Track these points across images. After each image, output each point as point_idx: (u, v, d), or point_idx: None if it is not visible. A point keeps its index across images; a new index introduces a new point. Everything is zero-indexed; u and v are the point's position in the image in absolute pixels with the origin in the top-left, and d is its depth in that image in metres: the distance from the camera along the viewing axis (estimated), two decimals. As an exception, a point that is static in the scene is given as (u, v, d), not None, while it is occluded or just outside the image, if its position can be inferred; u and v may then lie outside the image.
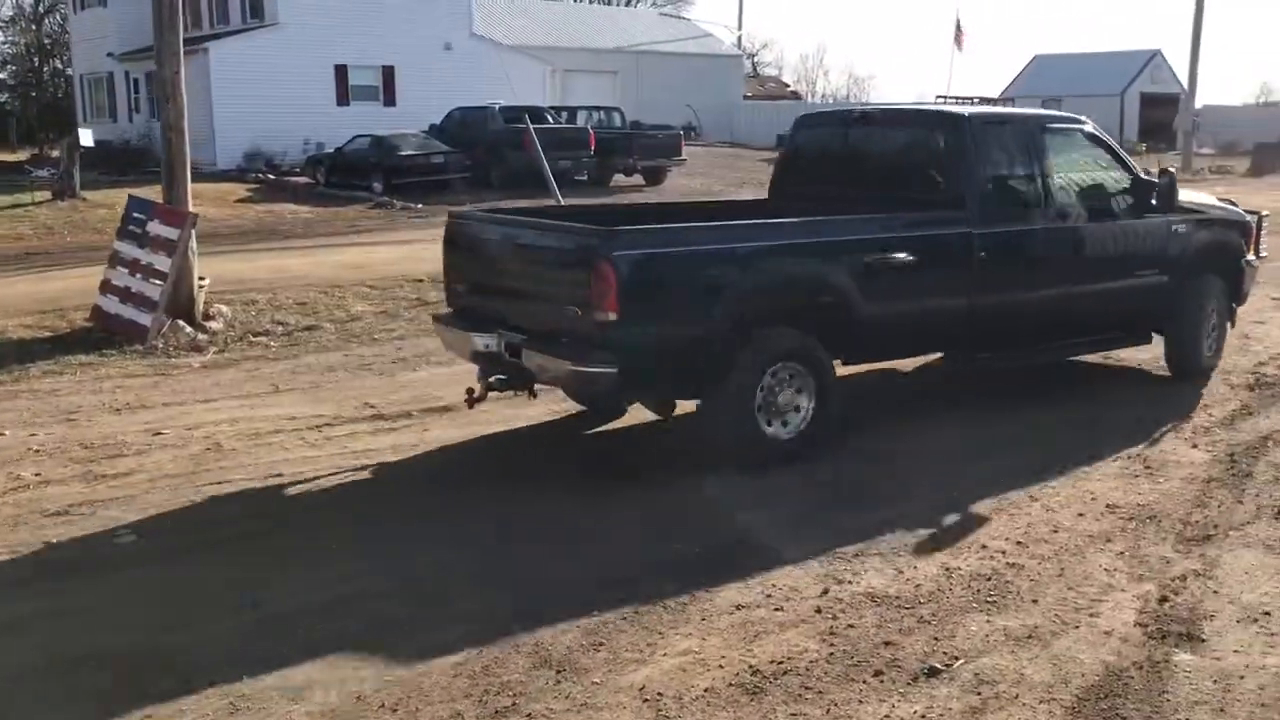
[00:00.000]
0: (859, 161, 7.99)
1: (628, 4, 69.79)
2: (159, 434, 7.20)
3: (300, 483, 6.22)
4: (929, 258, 6.85)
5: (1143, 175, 8.04)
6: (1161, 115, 48.80)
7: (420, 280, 13.31)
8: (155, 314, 9.93)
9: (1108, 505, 5.75)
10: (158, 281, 10.02)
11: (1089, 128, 8.05)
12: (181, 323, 10.17)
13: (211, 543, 5.33)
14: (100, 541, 5.37)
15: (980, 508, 5.72)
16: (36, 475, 6.41)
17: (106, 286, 10.41)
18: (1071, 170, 7.80)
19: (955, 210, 7.04)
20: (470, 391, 6.61)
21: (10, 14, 63.18)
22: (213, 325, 10.50)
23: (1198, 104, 41.50)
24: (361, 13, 31.08)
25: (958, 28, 43.66)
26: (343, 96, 31.33)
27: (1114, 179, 7.94)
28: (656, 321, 5.96)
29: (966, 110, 7.75)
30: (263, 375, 8.88)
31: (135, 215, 10.46)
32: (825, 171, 8.12)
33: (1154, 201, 7.84)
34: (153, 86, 9.93)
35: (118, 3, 32.51)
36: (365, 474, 6.39)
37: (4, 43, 64.19)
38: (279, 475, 6.38)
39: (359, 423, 7.52)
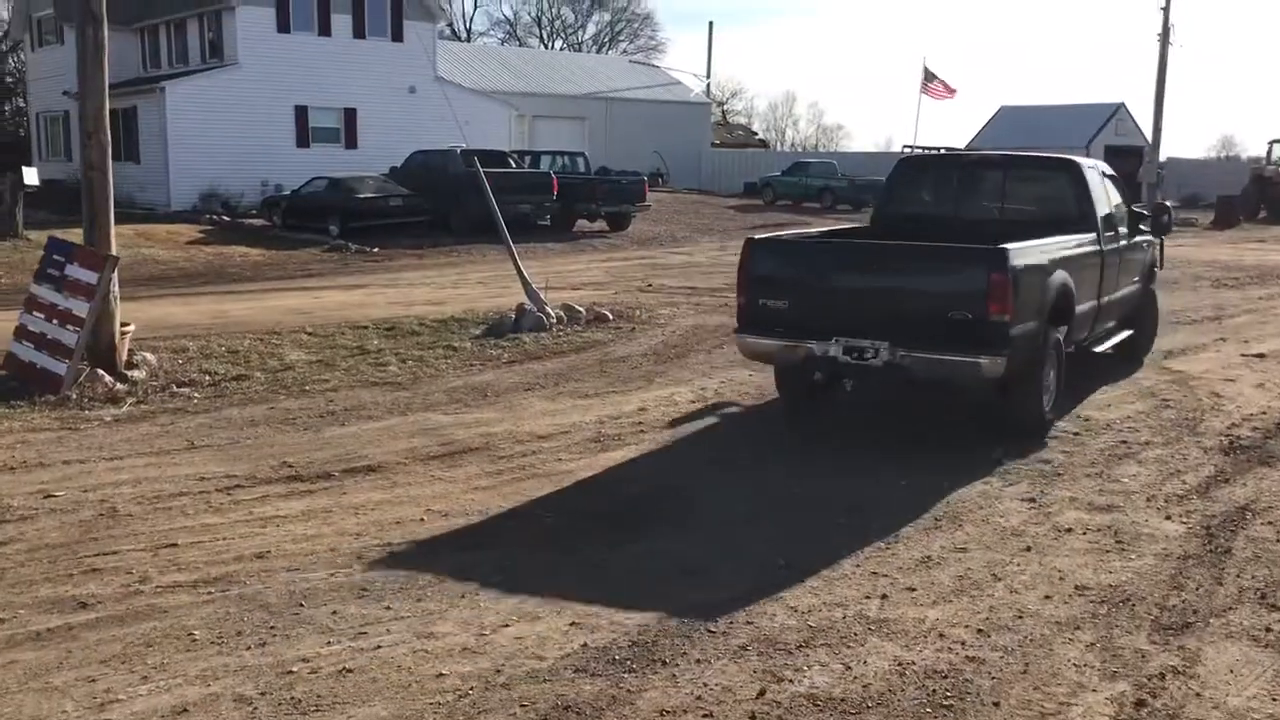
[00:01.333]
0: (973, 196, 9.84)
1: (598, 51, 70.01)
2: (50, 496, 6.59)
3: (188, 555, 5.63)
4: (1093, 268, 8.92)
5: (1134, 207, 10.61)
6: (1125, 167, 48.95)
7: (364, 327, 12.78)
8: (71, 362, 9.32)
9: (1076, 586, 5.26)
10: (74, 328, 9.42)
11: (1110, 170, 10.30)
12: (101, 372, 9.56)
13: (72, 628, 4.72)
14: (-48, 626, 4.76)
15: (940, 587, 5.22)
16: (-98, 544, 5.80)
17: (21, 332, 9.79)
18: (1116, 203, 9.94)
19: (1087, 233, 8.95)
20: (839, 381, 8.01)
21: (-28, 52, 62.56)
22: (135, 374, 9.89)
23: (1161, 156, 41.73)
24: (323, 54, 30.73)
25: (927, 76, 43.62)
26: (303, 138, 30.86)
27: (1128, 209, 10.26)
28: (1025, 320, 7.45)
29: (1078, 158, 9.75)
30: (178, 430, 8.28)
31: (55, 257, 9.86)
32: (935, 204, 9.90)
33: (1144, 226, 10.42)
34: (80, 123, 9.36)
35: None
36: (259, 544, 5.81)
37: (-35, 80, 63.49)
38: (172, 545, 5.79)
39: (273, 484, 6.95)
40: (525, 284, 13.26)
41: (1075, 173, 9.29)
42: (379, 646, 4.55)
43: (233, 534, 6.00)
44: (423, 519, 6.30)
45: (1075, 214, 9.08)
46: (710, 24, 66.93)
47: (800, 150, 69.10)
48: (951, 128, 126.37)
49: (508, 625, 4.78)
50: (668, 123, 47.14)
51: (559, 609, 4.96)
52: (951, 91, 43.83)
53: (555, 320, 12.67)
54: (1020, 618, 4.89)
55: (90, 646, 4.56)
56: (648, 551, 5.76)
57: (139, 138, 30.06)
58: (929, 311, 7.40)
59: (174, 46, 32.19)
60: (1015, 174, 9.90)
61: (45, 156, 34.46)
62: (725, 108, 75.05)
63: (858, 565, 5.54)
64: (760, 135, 71.00)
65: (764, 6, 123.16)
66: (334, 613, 4.90)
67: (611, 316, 13.31)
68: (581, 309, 13.32)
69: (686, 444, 8.05)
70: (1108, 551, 5.75)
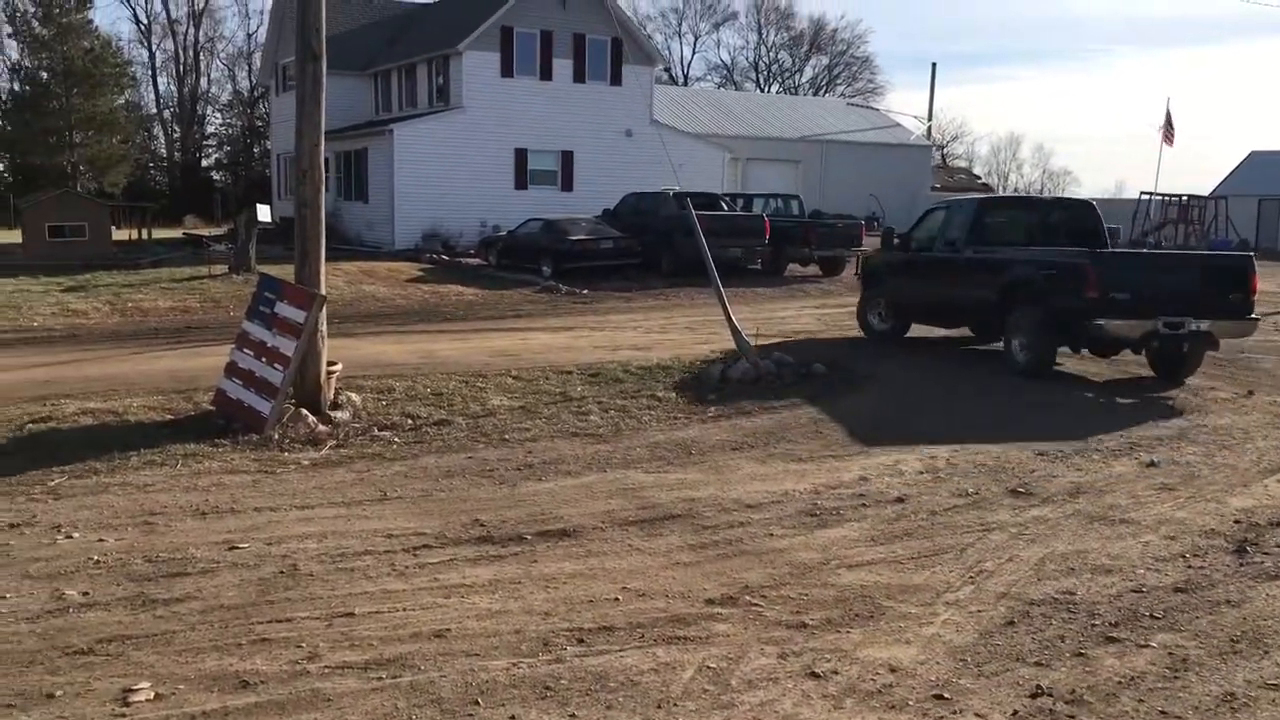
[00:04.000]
0: (1033, 225, 14.11)
1: (815, 95, 69.25)
2: (234, 549, 6.28)
3: (363, 628, 5.13)
4: None
5: None
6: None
7: (568, 372, 12.35)
8: (275, 402, 9.20)
9: None
10: (281, 366, 9.32)
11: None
12: (304, 412, 9.41)
13: (228, 713, 4.25)
14: (106, 701, 4.38)
15: (1251, 741, 4.14)
16: (84, 594, 5.56)
17: (232, 369, 9.78)
18: None
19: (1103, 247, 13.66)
20: (1172, 344, 11.89)
21: (228, 98, 67.64)
22: (339, 415, 9.71)
23: None
24: (544, 99, 31.15)
25: (1168, 120, 40.77)
26: (521, 180, 31.29)
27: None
28: None
29: (1092, 199, 14.78)
30: (373, 479, 7.94)
31: (265, 294, 9.83)
32: (1013, 230, 13.96)
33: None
34: (297, 161, 9.23)
35: (315, 86, 33.51)
36: (440, 619, 5.25)
37: (222, 124, 68.72)
38: (349, 614, 5.32)
39: (462, 545, 6.44)
40: (734, 331, 12.55)
41: (1090, 210, 14.12)
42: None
43: (414, 604, 5.49)
44: (618, 598, 5.62)
45: (1093, 233, 13.65)
46: (933, 65, 64.73)
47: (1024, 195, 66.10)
48: (1195, 172, 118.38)
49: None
50: (885, 166, 45.80)
51: None
52: (1170, 138, 41.09)
53: (765, 370, 11.89)
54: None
55: (243, 739, 4.07)
56: (880, 661, 4.88)
57: (368, 178, 31.21)
58: (1216, 295, 11.72)
59: (404, 91, 33.37)
60: (1060, 208, 14.84)
61: (283, 195, 36.30)
62: (946, 151, 72.84)
63: (1140, 700, 4.50)
64: (982, 179, 68.35)
65: (989, 49, 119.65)
66: (511, 717, 4.26)
67: (825, 368, 12.42)
68: (792, 358, 12.50)
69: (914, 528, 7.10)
70: None
